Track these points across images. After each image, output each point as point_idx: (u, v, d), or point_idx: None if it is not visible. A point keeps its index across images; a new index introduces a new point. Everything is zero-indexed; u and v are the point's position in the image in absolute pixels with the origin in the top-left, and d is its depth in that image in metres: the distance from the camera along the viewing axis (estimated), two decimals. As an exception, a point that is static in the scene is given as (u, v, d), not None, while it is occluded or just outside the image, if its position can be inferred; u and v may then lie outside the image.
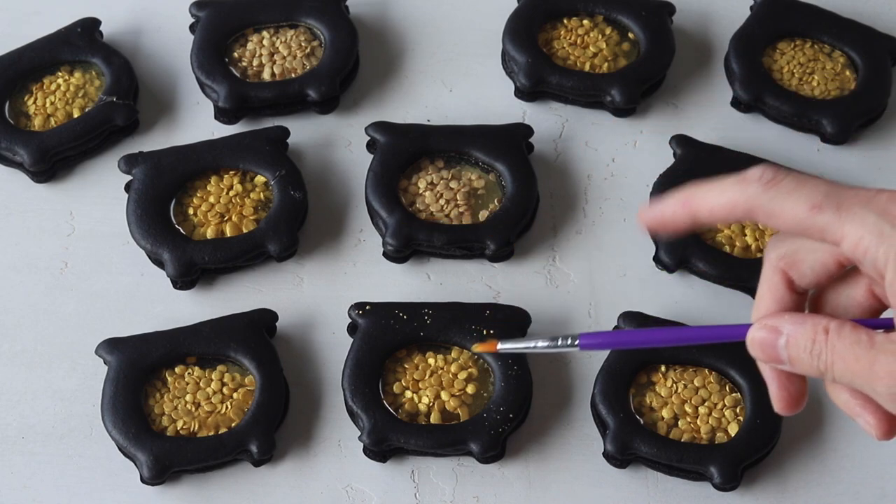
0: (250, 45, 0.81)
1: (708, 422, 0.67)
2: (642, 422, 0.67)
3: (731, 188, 0.46)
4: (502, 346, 0.52)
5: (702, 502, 0.67)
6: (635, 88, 0.80)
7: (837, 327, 0.45)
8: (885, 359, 0.44)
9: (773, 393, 0.50)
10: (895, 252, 0.43)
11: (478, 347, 0.56)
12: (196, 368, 0.69)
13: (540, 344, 0.51)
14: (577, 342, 0.49)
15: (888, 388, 0.44)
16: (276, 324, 0.72)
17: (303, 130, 0.80)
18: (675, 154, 0.77)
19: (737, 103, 0.81)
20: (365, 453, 0.68)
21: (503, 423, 0.67)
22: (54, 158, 0.77)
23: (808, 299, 0.50)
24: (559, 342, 0.50)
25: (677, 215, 0.48)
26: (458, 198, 0.75)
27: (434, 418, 0.68)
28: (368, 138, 0.78)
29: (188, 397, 0.68)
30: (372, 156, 0.77)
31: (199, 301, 0.74)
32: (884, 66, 0.81)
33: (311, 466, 0.68)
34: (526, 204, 0.75)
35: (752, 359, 0.70)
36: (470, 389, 0.69)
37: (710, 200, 0.47)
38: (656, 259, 0.74)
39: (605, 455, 0.68)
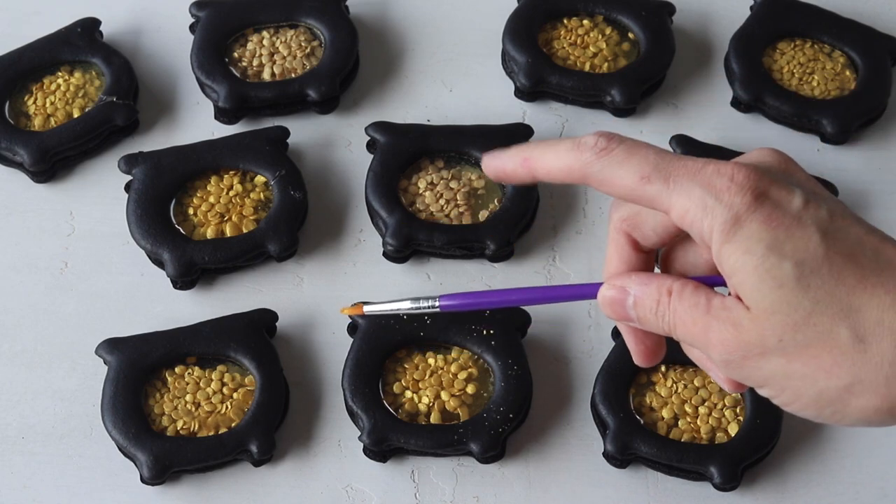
0: (250, 45, 0.81)
1: (708, 422, 0.67)
2: (642, 422, 0.67)
3: (567, 154, 0.47)
4: (368, 309, 0.53)
5: (702, 502, 0.67)
6: (635, 88, 0.80)
7: (679, 289, 0.46)
8: (717, 326, 0.45)
9: (630, 347, 0.51)
10: (719, 224, 0.44)
11: (345, 311, 0.56)
12: (196, 368, 0.69)
13: (403, 305, 0.52)
14: (437, 303, 0.51)
15: (720, 356, 0.45)
16: (276, 324, 0.72)
17: (303, 130, 0.80)
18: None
19: (737, 103, 0.81)
20: (365, 453, 0.68)
21: (503, 423, 0.67)
22: (54, 158, 0.77)
23: (660, 256, 0.51)
24: (420, 303, 0.52)
25: (517, 172, 0.49)
26: (458, 198, 0.75)
27: (434, 418, 0.68)
28: (368, 138, 0.78)
29: (188, 397, 0.68)
30: (372, 156, 0.77)
31: (199, 301, 0.74)
32: (884, 66, 0.81)
33: (311, 466, 0.68)
34: (526, 204, 0.75)
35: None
36: (470, 389, 0.69)
37: (547, 163, 0.48)
38: (656, 258, 0.74)
39: (605, 455, 0.68)
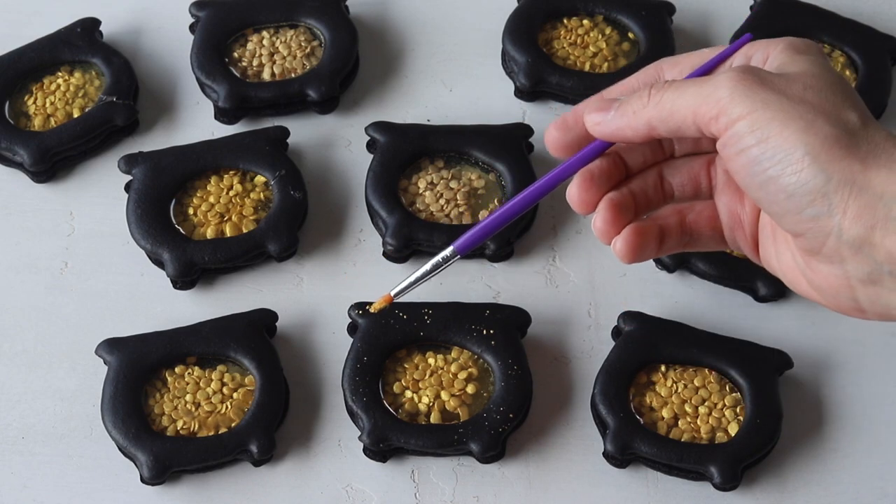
0: (250, 45, 0.81)
1: (708, 422, 0.67)
2: (642, 422, 0.67)
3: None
4: (395, 292, 0.54)
5: (702, 502, 0.67)
6: (635, 88, 0.79)
7: (669, 80, 0.50)
8: (724, 76, 0.48)
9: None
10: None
11: (375, 307, 0.56)
12: (196, 368, 0.69)
13: (422, 271, 0.54)
14: (453, 250, 0.53)
15: (708, 112, 0.48)
16: (276, 324, 0.72)
17: (303, 130, 0.80)
18: (675, 154, 0.77)
19: (737, 103, 0.81)
20: (365, 453, 0.68)
21: (503, 423, 0.67)
22: (54, 158, 0.77)
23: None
24: (440, 259, 0.54)
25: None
26: (458, 198, 0.75)
27: (434, 418, 0.68)
28: (368, 138, 0.78)
29: (188, 397, 0.68)
30: (372, 156, 0.77)
31: (199, 301, 0.74)
32: (884, 65, 0.81)
33: (311, 466, 0.68)
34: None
35: (752, 359, 0.70)
36: (470, 389, 0.69)
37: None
38: (656, 259, 0.74)
39: (605, 455, 0.68)
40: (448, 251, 0.53)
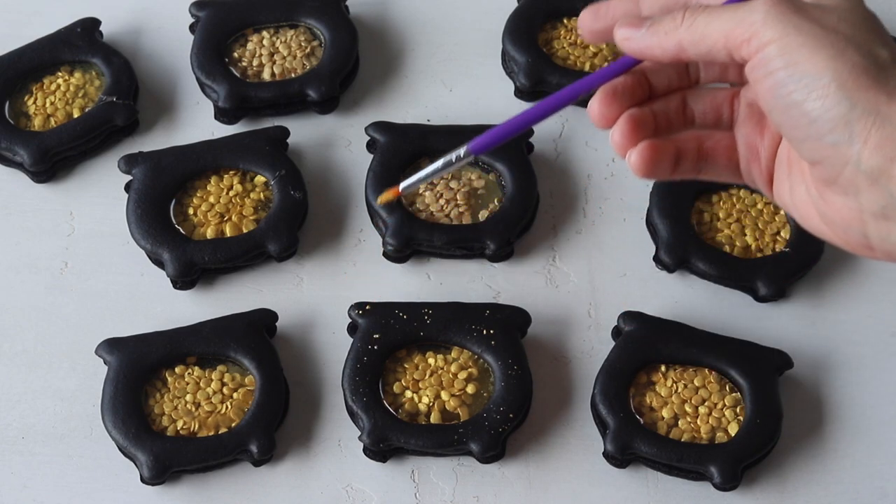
0: (250, 45, 0.81)
1: (708, 422, 0.67)
2: (642, 422, 0.67)
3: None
4: (403, 186, 0.54)
5: (702, 502, 0.67)
6: (635, 88, 0.79)
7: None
8: (759, 1, 0.48)
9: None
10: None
11: (383, 199, 0.57)
12: (196, 368, 0.69)
13: (433, 168, 0.54)
14: (467, 150, 0.54)
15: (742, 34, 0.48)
16: (276, 324, 0.72)
17: (303, 130, 0.80)
18: (675, 154, 0.77)
19: (737, 103, 0.81)
20: (365, 453, 0.68)
21: (503, 423, 0.67)
22: (54, 158, 0.77)
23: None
24: (453, 158, 0.54)
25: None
26: (458, 198, 0.75)
27: (434, 418, 0.68)
28: (368, 138, 0.78)
29: (188, 397, 0.68)
30: (372, 156, 0.77)
31: (199, 301, 0.74)
32: None
33: (311, 466, 0.68)
34: (526, 204, 0.75)
35: (752, 359, 0.70)
36: (470, 389, 0.69)
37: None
38: (656, 259, 0.74)
39: (605, 455, 0.68)
40: (462, 150, 0.54)
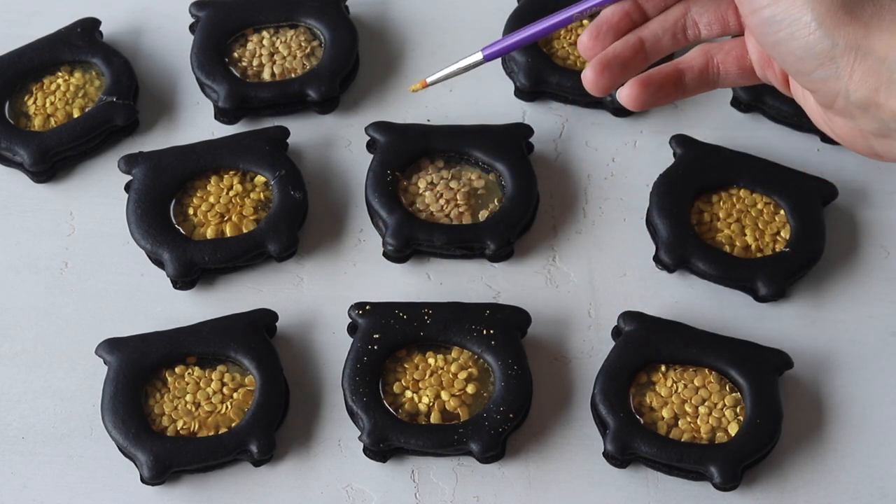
0: (250, 45, 0.81)
1: (708, 422, 0.67)
2: (642, 422, 0.67)
3: None
4: (431, 80, 0.60)
5: (702, 502, 0.67)
6: (635, 88, 0.79)
7: None
8: None
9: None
10: None
11: (414, 88, 0.61)
12: (196, 368, 0.69)
13: (458, 66, 0.60)
14: (482, 56, 0.59)
15: None
16: (276, 324, 0.72)
17: (303, 130, 0.80)
18: (675, 154, 0.77)
19: (737, 103, 0.81)
20: (365, 453, 0.68)
21: (503, 423, 0.67)
22: (54, 158, 0.77)
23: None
24: (469, 61, 0.60)
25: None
26: (458, 198, 0.75)
27: (434, 418, 0.68)
28: (368, 138, 0.78)
29: (188, 397, 0.68)
30: (372, 156, 0.77)
31: (199, 301, 0.74)
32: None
33: (311, 466, 0.69)
34: (526, 204, 0.75)
35: (752, 359, 0.70)
36: (470, 389, 0.69)
37: None
38: (656, 259, 0.74)
39: (605, 455, 0.68)
40: (479, 56, 0.60)
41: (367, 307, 0.71)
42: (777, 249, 0.74)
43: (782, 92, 0.56)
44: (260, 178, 0.76)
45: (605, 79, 0.55)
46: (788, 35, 0.50)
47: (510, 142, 0.77)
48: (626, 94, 0.56)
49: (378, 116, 0.80)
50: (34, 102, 0.79)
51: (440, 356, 0.70)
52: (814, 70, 0.50)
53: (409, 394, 0.69)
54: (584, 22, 0.80)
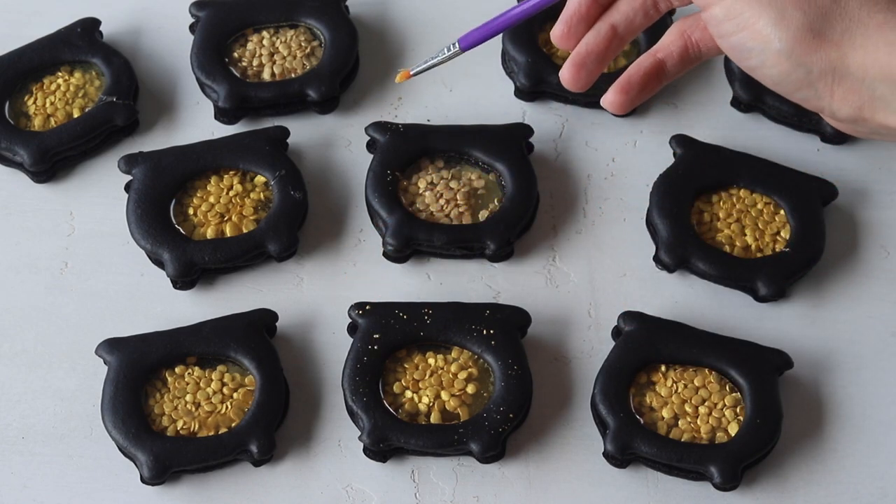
0: (250, 45, 0.81)
1: (708, 422, 0.67)
2: (642, 422, 0.67)
3: None
4: (414, 71, 0.61)
5: (702, 502, 0.67)
6: (635, 88, 0.79)
7: None
8: None
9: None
10: None
11: (400, 79, 0.62)
12: (196, 368, 0.69)
13: (436, 60, 0.60)
14: (457, 46, 0.59)
15: None
16: (276, 324, 0.72)
17: (303, 130, 0.80)
18: (675, 154, 0.77)
19: (737, 103, 0.81)
20: (365, 453, 0.68)
21: (503, 423, 0.67)
22: (54, 158, 0.77)
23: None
24: (446, 52, 0.60)
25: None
26: (458, 198, 0.75)
27: (434, 418, 0.68)
28: (368, 138, 0.78)
29: (188, 397, 0.68)
30: (372, 156, 0.77)
31: (199, 301, 0.74)
32: None
33: (311, 466, 0.69)
34: (526, 204, 0.75)
35: (752, 359, 0.70)
36: (470, 389, 0.69)
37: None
38: (656, 259, 0.74)
39: (605, 455, 0.68)
40: (455, 46, 0.60)
41: (367, 307, 0.71)
42: (777, 249, 0.74)
43: None
44: (260, 178, 0.76)
45: (583, 76, 0.55)
46: (760, 63, 0.49)
47: (510, 142, 0.77)
48: (609, 102, 0.56)
49: (378, 116, 0.80)
50: (34, 102, 0.79)
51: (440, 356, 0.70)
52: (793, 93, 0.50)
53: (409, 394, 0.69)
54: None
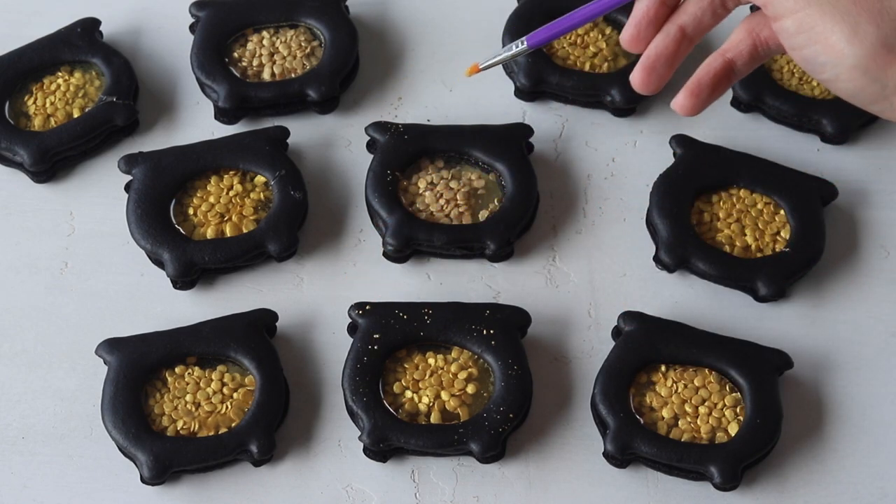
0: (250, 45, 0.81)
1: (708, 422, 0.67)
2: (642, 422, 0.67)
3: None
4: (483, 65, 0.60)
5: (702, 502, 0.67)
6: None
7: None
8: None
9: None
10: None
11: (469, 72, 0.61)
12: (196, 368, 0.69)
13: (505, 55, 0.59)
14: (524, 43, 0.59)
15: None
16: (276, 324, 0.72)
17: (303, 130, 0.80)
18: (675, 154, 0.77)
19: (737, 103, 0.81)
20: (365, 453, 0.68)
21: (503, 423, 0.67)
22: (54, 158, 0.77)
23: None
24: (514, 49, 0.59)
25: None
26: (458, 198, 0.75)
27: (434, 418, 0.68)
28: (368, 138, 0.78)
29: (188, 397, 0.68)
30: (372, 156, 0.77)
31: (199, 301, 0.74)
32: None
33: (311, 466, 0.69)
34: (526, 204, 0.75)
35: (752, 359, 0.70)
36: (470, 389, 0.69)
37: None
38: (656, 259, 0.74)
39: (605, 455, 0.68)
40: (522, 44, 0.59)
41: (367, 307, 0.71)
42: (777, 249, 0.74)
43: None
44: (260, 178, 0.76)
45: (654, 80, 0.55)
46: (834, 76, 0.48)
47: (510, 142, 0.77)
48: (680, 105, 0.56)
49: (378, 116, 0.80)
50: (34, 102, 0.79)
51: (440, 356, 0.70)
52: (868, 105, 0.49)
53: (409, 394, 0.69)
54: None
